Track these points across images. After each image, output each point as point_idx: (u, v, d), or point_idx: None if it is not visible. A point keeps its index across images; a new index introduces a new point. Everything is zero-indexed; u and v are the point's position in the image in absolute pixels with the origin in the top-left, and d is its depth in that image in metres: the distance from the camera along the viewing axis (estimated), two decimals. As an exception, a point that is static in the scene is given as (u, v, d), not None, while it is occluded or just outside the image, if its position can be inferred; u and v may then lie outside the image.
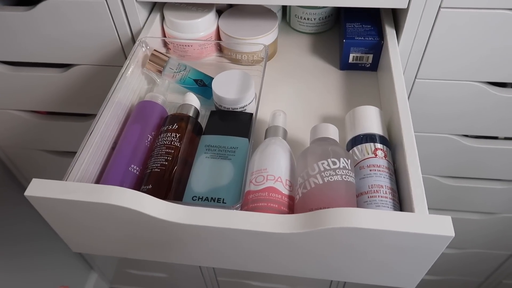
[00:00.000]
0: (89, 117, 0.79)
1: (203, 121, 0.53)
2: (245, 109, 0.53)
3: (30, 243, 1.10)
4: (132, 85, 0.55)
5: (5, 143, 0.89)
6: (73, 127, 0.81)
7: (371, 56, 0.61)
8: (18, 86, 0.73)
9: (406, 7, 0.53)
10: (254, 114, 0.50)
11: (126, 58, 0.55)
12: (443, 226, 0.34)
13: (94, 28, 0.61)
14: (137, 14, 0.59)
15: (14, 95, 0.76)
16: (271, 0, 0.55)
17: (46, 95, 0.74)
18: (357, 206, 0.42)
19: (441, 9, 0.53)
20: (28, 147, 0.89)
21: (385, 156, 0.45)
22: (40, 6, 0.59)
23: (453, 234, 0.33)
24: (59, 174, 0.42)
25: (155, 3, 0.64)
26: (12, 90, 0.74)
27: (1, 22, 0.62)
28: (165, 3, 0.63)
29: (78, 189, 0.37)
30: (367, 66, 0.62)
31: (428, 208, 0.88)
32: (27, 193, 0.37)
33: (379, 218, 0.35)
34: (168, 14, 0.62)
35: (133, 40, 0.62)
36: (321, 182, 0.41)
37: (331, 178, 0.41)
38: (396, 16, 0.60)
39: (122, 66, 0.53)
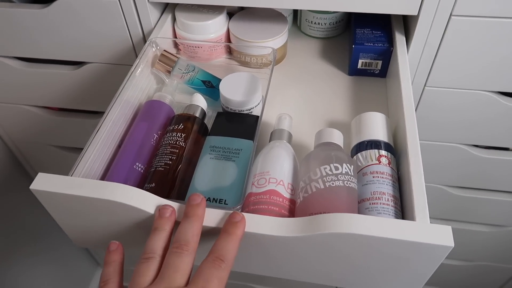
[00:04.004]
0: (100, 114, 0.81)
1: (210, 122, 0.54)
2: (252, 112, 0.53)
3: (38, 237, 1.12)
4: (141, 85, 0.56)
5: (18, 137, 0.91)
6: (84, 123, 0.83)
7: (380, 62, 0.60)
8: (31, 82, 0.75)
9: (416, 14, 0.53)
10: (259, 117, 0.50)
11: (137, 57, 0.55)
12: (443, 236, 0.33)
13: (107, 27, 0.62)
14: (149, 14, 0.59)
15: (27, 91, 0.77)
16: (281, 3, 0.55)
17: (58, 92, 0.76)
18: (358, 213, 0.42)
19: (452, 17, 0.52)
20: (40, 142, 0.91)
21: (389, 163, 0.45)
22: (54, 4, 0.60)
23: (452, 244, 0.33)
24: (69, 169, 0.43)
25: (167, 4, 0.65)
26: (26, 86, 0.76)
27: (17, 19, 0.64)
28: (177, 4, 0.64)
29: (83, 185, 0.38)
30: (376, 72, 0.62)
31: (435, 218, 0.87)
32: (33, 186, 0.38)
33: (378, 225, 0.34)
34: (179, 15, 0.62)
35: (144, 40, 0.63)
36: (322, 186, 0.41)
37: (332, 183, 0.41)
38: (407, 23, 0.60)
39: (132, 65, 0.54)
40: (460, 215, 0.84)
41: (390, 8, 0.53)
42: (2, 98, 0.81)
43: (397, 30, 0.59)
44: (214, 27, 0.62)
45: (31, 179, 1.06)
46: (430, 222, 0.37)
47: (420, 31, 0.54)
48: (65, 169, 0.43)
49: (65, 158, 0.93)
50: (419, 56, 0.58)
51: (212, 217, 0.38)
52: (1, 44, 0.69)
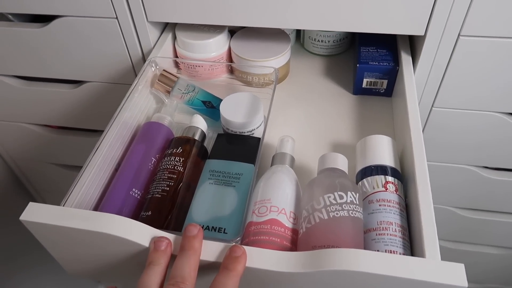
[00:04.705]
0: (99, 132, 0.80)
1: (210, 143, 0.52)
2: (253, 133, 0.52)
3: (39, 255, 1.10)
4: (139, 105, 0.54)
5: (18, 156, 0.90)
6: (83, 142, 0.81)
7: (385, 81, 0.59)
8: (31, 101, 0.74)
9: (423, 34, 0.51)
10: (261, 139, 0.49)
11: (136, 77, 0.54)
12: (455, 275, 0.31)
13: (106, 46, 0.61)
14: (148, 33, 0.58)
15: (27, 109, 0.76)
16: (282, 23, 0.54)
17: (57, 110, 0.75)
18: (365, 244, 0.40)
19: (460, 37, 0.50)
20: (39, 160, 0.90)
21: (396, 190, 0.43)
22: (53, 23, 0.60)
23: (466, 284, 0.31)
24: (68, 187, 0.42)
25: (167, 22, 0.64)
26: (25, 104, 0.75)
27: (17, 38, 0.63)
28: (177, 23, 0.63)
29: (74, 216, 0.36)
30: (382, 91, 0.60)
31: (445, 240, 0.84)
32: (23, 217, 0.37)
33: (386, 262, 0.32)
34: (179, 34, 0.61)
35: (144, 59, 0.62)
36: (326, 217, 0.39)
37: (337, 214, 0.39)
38: (413, 42, 0.58)
39: (131, 85, 0.52)
40: (470, 237, 0.82)
41: (396, 28, 0.51)
42: (1, 116, 0.80)
43: (403, 49, 0.58)
44: (216, 46, 0.61)
45: (31, 197, 1.04)
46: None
47: (427, 51, 0.53)
48: (64, 187, 0.41)
49: (64, 176, 0.92)
50: (426, 76, 0.56)
51: (211, 250, 0.36)
52: (0, 62, 0.68)
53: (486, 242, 0.83)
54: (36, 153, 0.87)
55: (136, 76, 0.64)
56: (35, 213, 0.37)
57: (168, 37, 0.62)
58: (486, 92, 0.56)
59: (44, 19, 0.61)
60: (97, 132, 0.80)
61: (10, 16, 0.64)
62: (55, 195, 1.02)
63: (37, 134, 0.82)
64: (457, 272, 0.31)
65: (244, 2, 0.52)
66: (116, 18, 0.57)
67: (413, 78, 0.53)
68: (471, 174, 0.68)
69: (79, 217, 0.36)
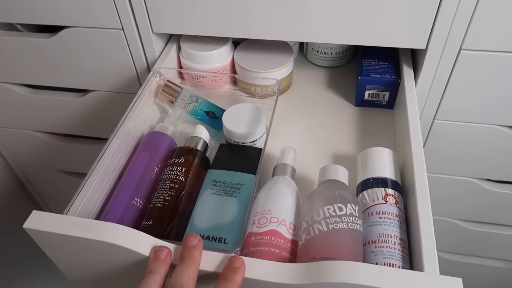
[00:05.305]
0: (104, 140, 0.80)
1: (212, 153, 0.53)
2: (255, 144, 0.52)
3: (43, 262, 1.11)
4: (143, 115, 0.55)
5: (23, 163, 0.91)
6: (88, 149, 0.82)
7: (387, 94, 0.59)
8: (37, 108, 0.75)
9: (424, 47, 0.52)
10: (262, 150, 0.49)
11: (141, 87, 0.55)
12: (453, 290, 0.31)
13: (111, 56, 0.62)
14: (153, 44, 0.59)
15: (33, 117, 0.77)
16: (286, 36, 0.55)
17: (63, 118, 0.76)
18: (364, 256, 0.40)
19: (462, 51, 0.51)
20: (45, 168, 0.91)
21: (396, 203, 0.43)
22: (61, 33, 0.61)
23: (463, 299, 0.31)
24: (72, 194, 0.42)
25: (172, 34, 0.65)
26: (32, 112, 0.76)
27: (25, 47, 0.64)
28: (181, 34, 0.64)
29: (76, 225, 0.37)
30: (383, 103, 0.60)
31: (447, 252, 0.83)
32: (26, 225, 0.37)
33: (385, 275, 0.32)
34: (184, 45, 0.62)
35: (149, 69, 0.63)
36: (325, 229, 0.39)
37: (336, 226, 0.39)
38: (415, 55, 0.59)
39: (136, 95, 0.53)
40: (473, 249, 0.81)
41: (398, 41, 0.51)
42: (8, 123, 0.81)
43: (405, 62, 0.58)
44: (219, 57, 0.62)
45: (35, 203, 1.05)
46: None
47: (428, 64, 0.53)
48: (68, 194, 0.42)
49: (69, 183, 0.93)
50: (427, 89, 0.56)
51: (211, 260, 0.36)
52: (8, 71, 0.69)
53: (488, 254, 0.83)
54: (41, 160, 0.88)
55: (140, 86, 0.65)
56: (38, 221, 0.37)
57: (173, 48, 0.63)
58: (487, 105, 0.56)
59: (52, 29, 0.62)
60: (102, 140, 0.81)
61: (18, 26, 0.65)
62: (60, 202, 1.03)
63: (43, 142, 0.83)
64: (455, 287, 0.32)
65: (248, 15, 0.53)
66: (122, 29, 0.58)
67: (415, 91, 0.54)
68: (474, 186, 0.68)
69: (82, 226, 0.37)
